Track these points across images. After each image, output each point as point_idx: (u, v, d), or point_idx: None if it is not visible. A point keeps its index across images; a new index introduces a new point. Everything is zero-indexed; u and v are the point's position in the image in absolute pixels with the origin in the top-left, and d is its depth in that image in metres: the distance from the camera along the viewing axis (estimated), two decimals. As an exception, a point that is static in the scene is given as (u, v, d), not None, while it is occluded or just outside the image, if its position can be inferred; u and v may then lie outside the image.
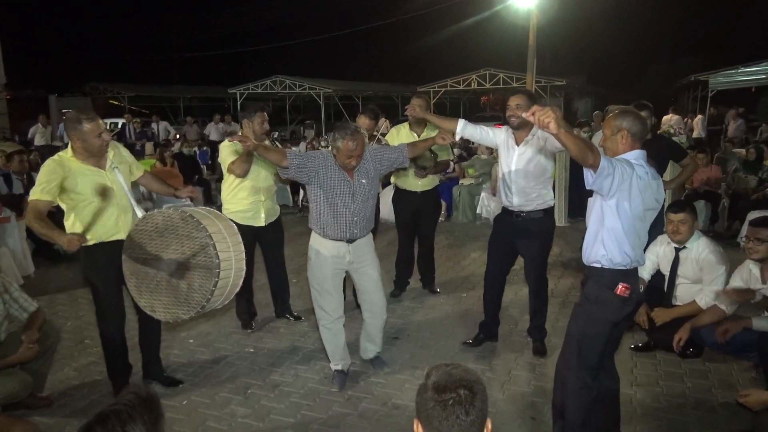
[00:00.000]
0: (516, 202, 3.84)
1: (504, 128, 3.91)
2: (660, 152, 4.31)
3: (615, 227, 2.52)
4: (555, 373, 2.83)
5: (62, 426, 3.29)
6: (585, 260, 2.70)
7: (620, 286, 2.58)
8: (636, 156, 2.54)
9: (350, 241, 3.48)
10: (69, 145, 3.29)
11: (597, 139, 7.92)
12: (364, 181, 3.44)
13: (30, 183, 6.86)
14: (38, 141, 13.44)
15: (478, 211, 8.69)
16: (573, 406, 2.68)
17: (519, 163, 3.78)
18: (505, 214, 3.98)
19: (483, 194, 8.62)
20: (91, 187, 3.25)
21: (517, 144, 3.79)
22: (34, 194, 3.17)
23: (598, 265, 2.62)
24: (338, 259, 3.51)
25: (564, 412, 2.74)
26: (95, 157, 3.29)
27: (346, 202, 3.39)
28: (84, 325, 4.72)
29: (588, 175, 2.40)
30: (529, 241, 3.91)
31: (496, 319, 4.26)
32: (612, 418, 2.90)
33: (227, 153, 4.11)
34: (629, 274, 2.62)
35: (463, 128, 3.83)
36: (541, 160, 3.77)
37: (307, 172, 3.32)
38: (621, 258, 2.56)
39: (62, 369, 3.95)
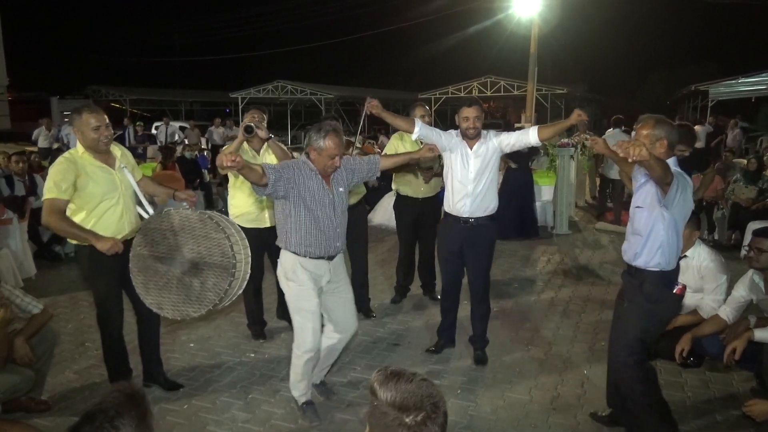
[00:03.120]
0: (469, 208, 3.84)
1: (454, 133, 3.88)
2: (687, 162, 4.38)
3: (671, 233, 2.77)
4: (609, 364, 3.11)
5: (62, 428, 3.27)
6: (639, 264, 2.85)
7: (679, 286, 2.87)
8: (674, 163, 2.76)
9: (330, 258, 3.21)
10: (78, 143, 3.32)
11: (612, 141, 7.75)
12: (341, 189, 3.21)
13: (32, 184, 6.87)
14: (41, 143, 13.47)
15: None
16: (642, 391, 2.92)
17: (476, 168, 3.81)
18: (453, 220, 3.94)
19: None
20: (102, 187, 3.27)
21: (470, 147, 3.81)
22: (50, 192, 3.15)
23: (657, 269, 2.81)
24: (319, 279, 3.21)
25: (628, 399, 2.97)
26: (97, 153, 3.30)
27: (327, 213, 3.11)
28: (85, 328, 4.72)
29: (659, 192, 2.67)
30: (477, 247, 3.93)
31: (454, 324, 4.26)
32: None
33: None
34: (675, 274, 2.90)
35: (420, 130, 3.81)
36: (494, 166, 3.87)
37: (284, 184, 2.96)
38: (673, 259, 2.84)
39: (63, 372, 3.95)
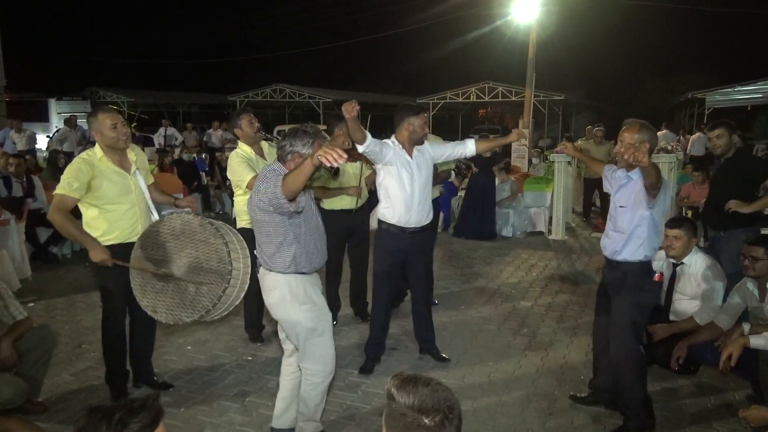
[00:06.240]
0: (415, 217, 3.79)
1: (390, 142, 3.77)
2: (752, 168, 4.53)
3: (652, 229, 2.98)
4: (611, 358, 3.17)
5: (60, 431, 3.28)
6: (623, 258, 3.04)
7: (657, 274, 3.10)
8: None
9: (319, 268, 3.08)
10: (96, 145, 3.37)
11: (595, 151, 7.91)
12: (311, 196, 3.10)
13: (30, 186, 6.88)
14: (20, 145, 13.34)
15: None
16: (634, 378, 3.09)
17: (420, 175, 3.78)
18: (398, 231, 3.81)
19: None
20: (117, 190, 3.31)
21: (410, 156, 3.79)
22: (62, 189, 3.20)
23: (638, 261, 3.02)
24: (320, 291, 3.05)
25: (623, 389, 3.13)
26: (117, 154, 3.35)
27: (319, 222, 3.01)
28: (82, 330, 4.71)
29: (646, 197, 2.86)
30: (422, 254, 4.04)
31: (384, 340, 4.15)
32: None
33: (237, 163, 4.02)
34: (651, 263, 3.12)
35: (368, 144, 3.57)
36: (431, 171, 3.92)
37: (303, 197, 2.81)
38: (654, 251, 3.06)
39: (59, 374, 3.94)
